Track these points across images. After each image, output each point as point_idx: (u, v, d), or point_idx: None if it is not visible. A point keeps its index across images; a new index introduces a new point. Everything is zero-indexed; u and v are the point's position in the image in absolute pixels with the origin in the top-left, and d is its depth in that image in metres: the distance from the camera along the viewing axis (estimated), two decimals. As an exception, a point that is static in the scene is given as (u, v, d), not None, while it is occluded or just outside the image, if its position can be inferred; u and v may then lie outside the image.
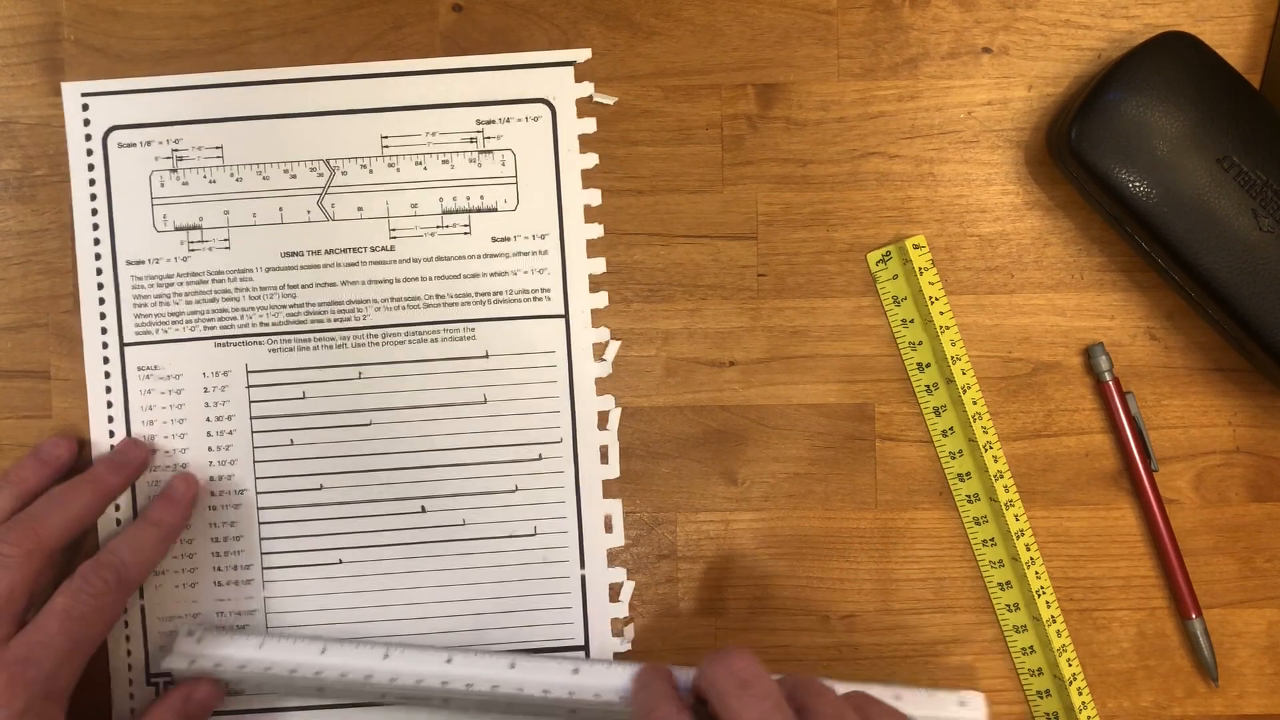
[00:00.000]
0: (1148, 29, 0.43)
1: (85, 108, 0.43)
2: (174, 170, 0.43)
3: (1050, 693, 0.43)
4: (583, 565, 0.43)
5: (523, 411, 0.43)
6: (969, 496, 0.43)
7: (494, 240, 0.43)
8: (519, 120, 0.43)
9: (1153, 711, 0.44)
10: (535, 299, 0.43)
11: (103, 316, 0.43)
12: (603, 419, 0.43)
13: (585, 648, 0.43)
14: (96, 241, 0.43)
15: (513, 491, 0.43)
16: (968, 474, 0.43)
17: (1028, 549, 0.42)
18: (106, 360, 0.43)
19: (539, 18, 0.43)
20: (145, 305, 0.43)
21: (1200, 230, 0.40)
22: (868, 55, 0.43)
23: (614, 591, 0.43)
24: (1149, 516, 0.43)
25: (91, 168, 0.43)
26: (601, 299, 0.43)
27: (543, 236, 0.43)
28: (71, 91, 0.43)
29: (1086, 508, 0.44)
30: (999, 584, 0.43)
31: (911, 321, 0.43)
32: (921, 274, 0.42)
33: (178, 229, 0.43)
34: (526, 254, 0.43)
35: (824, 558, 0.44)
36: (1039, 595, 0.42)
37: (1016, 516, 0.42)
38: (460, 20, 0.43)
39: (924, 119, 0.43)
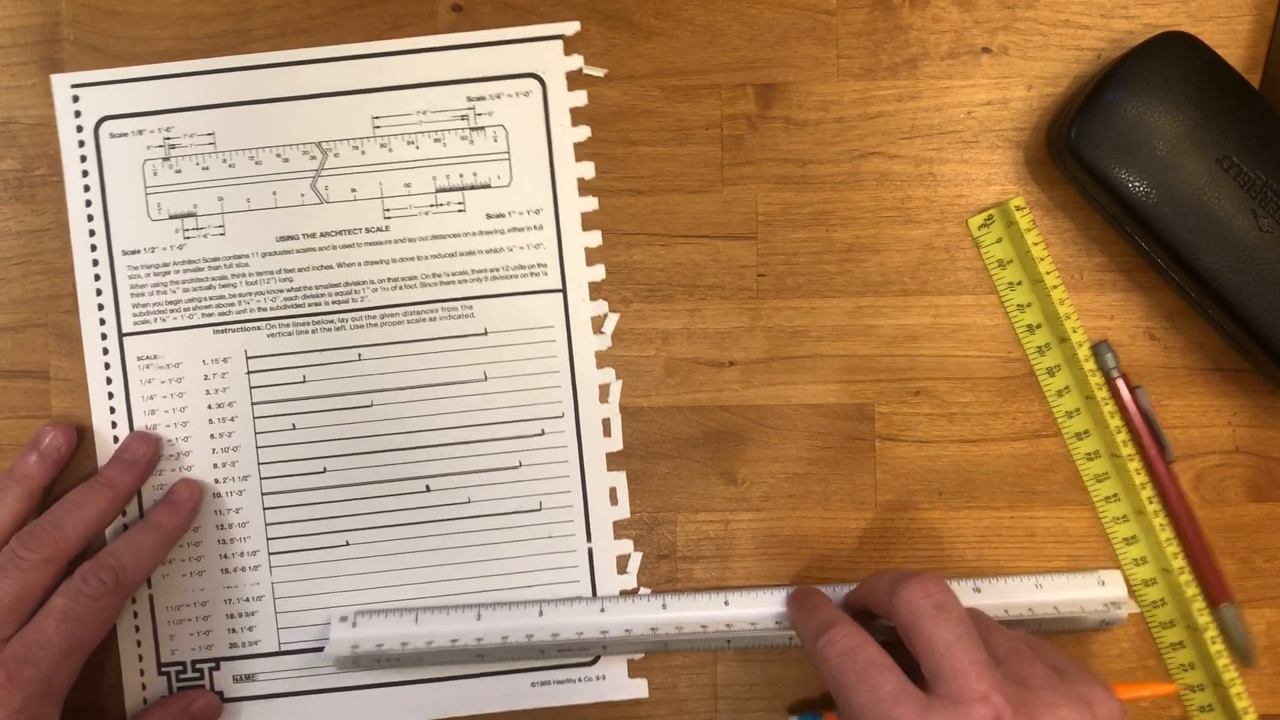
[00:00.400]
0: (1148, 29, 0.43)
1: (76, 99, 0.43)
2: (166, 159, 0.43)
3: (1185, 644, 0.43)
4: (589, 538, 0.43)
5: (524, 387, 0.43)
6: (1089, 454, 0.43)
7: (489, 217, 0.43)
8: (510, 96, 0.43)
9: (1152, 712, 0.44)
10: (532, 274, 0.43)
11: (100, 308, 0.43)
12: (604, 392, 0.43)
13: None
14: (91, 233, 0.43)
15: (516, 467, 0.43)
16: (1086, 432, 0.43)
17: (1150, 501, 0.42)
18: (106, 351, 0.43)
19: (538, 17, 0.43)
20: (143, 295, 0.43)
21: (1200, 230, 0.40)
22: (867, 55, 0.43)
23: (621, 563, 0.43)
24: (1170, 507, 0.43)
25: (84, 159, 0.43)
26: (598, 272, 0.43)
27: (537, 211, 0.43)
28: (61, 83, 0.43)
29: (1086, 508, 0.44)
30: (1124, 539, 0.43)
31: (1019, 283, 0.43)
32: (1027, 233, 0.42)
33: (172, 217, 0.43)
34: (522, 229, 0.43)
35: (824, 558, 0.44)
36: (1167, 545, 0.42)
37: (1138, 470, 0.42)
38: (460, 20, 0.43)
39: (924, 119, 0.43)
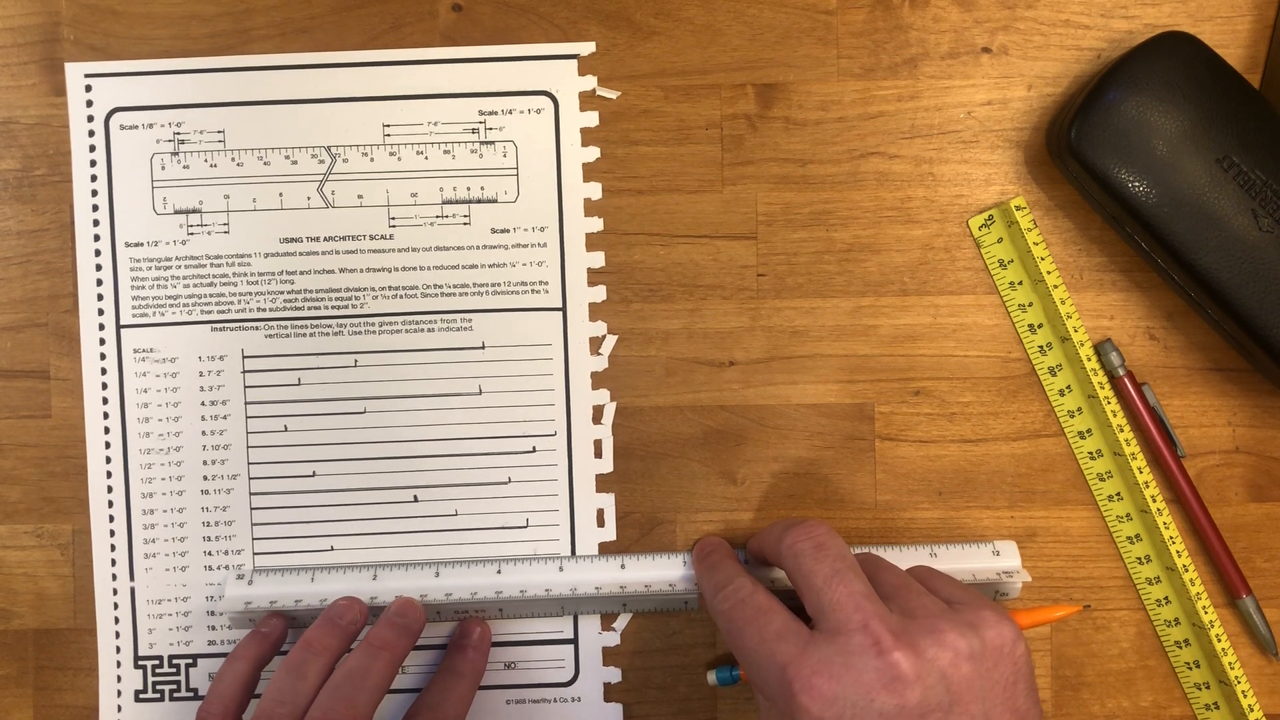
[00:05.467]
0: (1148, 29, 0.43)
1: (88, 89, 0.43)
2: (175, 153, 0.43)
3: (1190, 642, 0.43)
4: (574, 558, 0.43)
5: (518, 404, 0.43)
6: (1091, 453, 0.43)
7: (493, 232, 0.43)
8: (521, 112, 0.43)
9: (1152, 711, 0.44)
10: (533, 291, 0.43)
11: (100, 298, 0.43)
12: (597, 413, 0.43)
13: (575, 641, 0.43)
14: (95, 223, 0.43)
15: (505, 483, 0.43)
16: (1089, 431, 0.43)
17: (1154, 500, 0.42)
18: (103, 342, 0.43)
19: (538, 17, 0.43)
20: (143, 288, 0.43)
21: (1200, 230, 0.40)
22: (868, 55, 0.43)
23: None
24: (1184, 502, 0.43)
25: (93, 149, 0.43)
26: (599, 293, 0.43)
27: (542, 229, 0.43)
28: (75, 72, 0.43)
29: (1086, 507, 0.44)
30: (1128, 538, 0.43)
31: (1020, 283, 0.43)
32: (1028, 233, 0.42)
33: (177, 212, 0.43)
34: (526, 246, 0.43)
35: (824, 558, 0.43)
36: (1170, 543, 0.42)
37: (1140, 469, 0.42)
38: (460, 20, 0.43)
39: (924, 119, 0.43)
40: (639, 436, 0.43)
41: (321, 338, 0.43)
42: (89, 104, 0.43)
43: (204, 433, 0.43)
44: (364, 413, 0.43)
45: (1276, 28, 0.43)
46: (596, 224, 0.43)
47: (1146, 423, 0.43)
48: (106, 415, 0.43)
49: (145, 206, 0.43)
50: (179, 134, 0.43)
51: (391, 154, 0.43)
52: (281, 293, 0.43)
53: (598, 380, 0.43)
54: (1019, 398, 0.43)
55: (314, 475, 0.43)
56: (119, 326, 0.43)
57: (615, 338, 0.43)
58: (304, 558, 0.43)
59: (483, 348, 0.43)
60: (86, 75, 0.43)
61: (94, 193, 0.43)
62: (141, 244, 0.43)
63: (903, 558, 0.41)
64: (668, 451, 0.44)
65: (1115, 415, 0.42)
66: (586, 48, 0.43)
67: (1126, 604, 0.44)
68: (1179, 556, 0.42)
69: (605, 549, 0.43)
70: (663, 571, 0.42)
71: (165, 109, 0.43)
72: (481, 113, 0.43)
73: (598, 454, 0.43)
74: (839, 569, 0.34)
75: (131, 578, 0.43)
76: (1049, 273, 0.42)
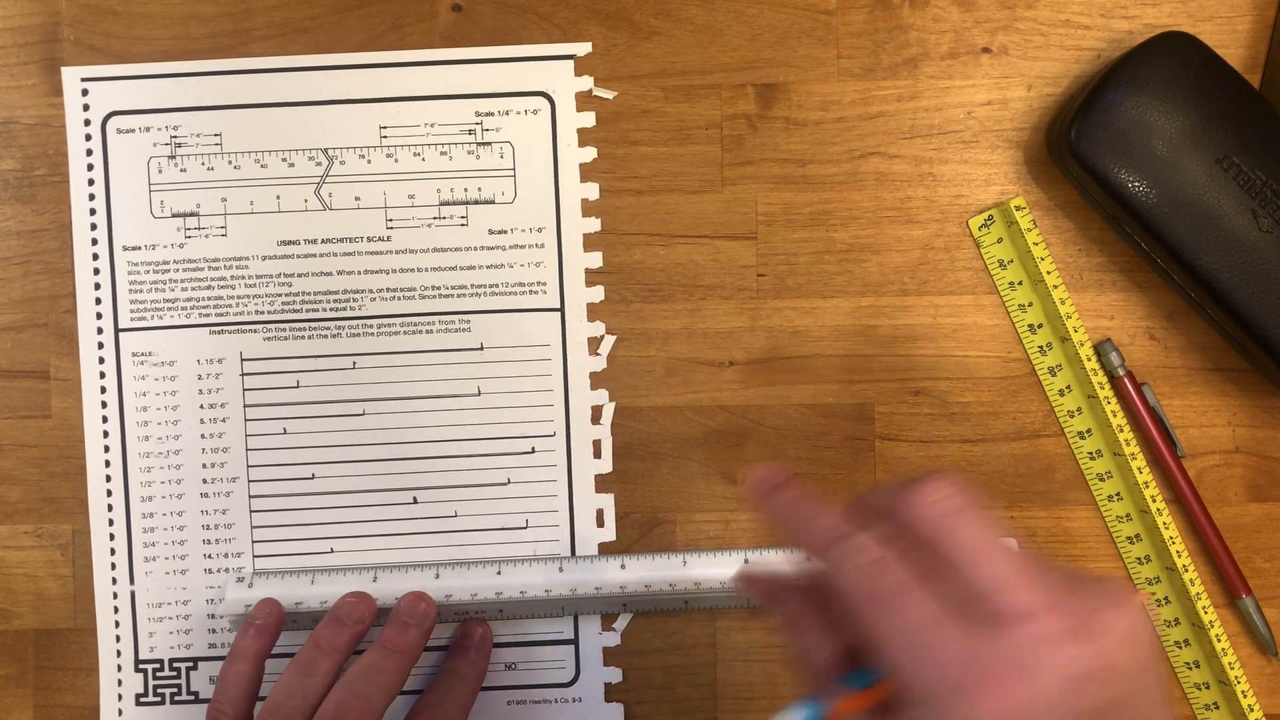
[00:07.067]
0: (1148, 29, 0.43)
1: (85, 93, 0.43)
2: (172, 157, 0.43)
3: (1190, 642, 0.43)
4: (574, 559, 0.43)
5: (516, 404, 0.43)
6: (1091, 454, 0.43)
7: (491, 233, 0.43)
8: (518, 113, 0.43)
9: (1152, 711, 0.44)
10: (531, 292, 0.43)
11: (98, 302, 0.43)
12: (596, 413, 0.43)
13: (575, 642, 0.43)
14: (93, 227, 0.43)
15: (505, 484, 0.43)
16: (1088, 431, 0.43)
17: (1154, 500, 0.42)
18: (101, 346, 0.43)
19: (538, 17, 0.43)
20: (141, 291, 0.43)
21: (1200, 230, 0.40)
22: (867, 55, 0.43)
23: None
24: (1183, 502, 0.43)
25: (90, 153, 0.43)
26: (597, 293, 0.43)
27: (540, 230, 0.43)
28: (71, 77, 0.43)
29: (1086, 507, 0.44)
30: (1128, 538, 0.43)
31: (1020, 283, 0.43)
32: (1028, 233, 0.42)
33: (175, 215, 0.43)
34: (523, 247, 0.43)
35: (824, 558, 0.43)
36: (1170, 544, 0.42)
37: (1140, 469, 0.42)
38: (460, 20, 0.43)
39: (924, 119, 0.43)
40: (638, 436, 0.43)
41: (320, 340, 0.43)
42: (85, 108, 0.43)
43: (203, 435, 0.43)
44: (363, 414, 0.43)
45: (1276, 28, 0.43)
46: (594, 224, 0.43)
47: (1146, 423, 0.43)
48: (105, 420, 0.43)
49: (143, 210, 0.43)
50: (176, 137, 0.43)
51: (388, 156, 0.43)
52: (279, 295, 0.43)
53: (597, 380, 0.43)
54: (1019, 398, 0.43)
55: (313, 477, 0.43)
56: (117, 330, 0.43)
57: (614, 338, 0.43)
58: (304, 560, 0.43)
59: (481, 349, 0.43)
60: (83, 79, 0.43)
61: (91, 197, 0.43)
62: (139, 248, 0.43)
63: None
64: (668, 451, 0.44)
65: (1115, 415, 0.42)
66: (583, 48, 0.43)
67: (1126, 604, 0.44)
68: (1179, 556, 0.42)
69: (605, 549, 0.43)
70: (663, 571, 0.42)
71: (162, 112, 0.43)
72: (478, 114, 0.43)
73: (597, 454, 0.43)
74: (994, 541, 0.27)
75: (131, 581, 0.43)
76: (1049, 273, 0.42)
